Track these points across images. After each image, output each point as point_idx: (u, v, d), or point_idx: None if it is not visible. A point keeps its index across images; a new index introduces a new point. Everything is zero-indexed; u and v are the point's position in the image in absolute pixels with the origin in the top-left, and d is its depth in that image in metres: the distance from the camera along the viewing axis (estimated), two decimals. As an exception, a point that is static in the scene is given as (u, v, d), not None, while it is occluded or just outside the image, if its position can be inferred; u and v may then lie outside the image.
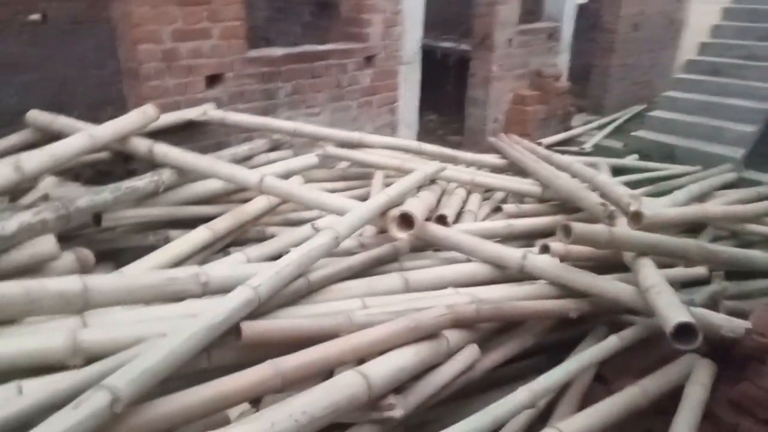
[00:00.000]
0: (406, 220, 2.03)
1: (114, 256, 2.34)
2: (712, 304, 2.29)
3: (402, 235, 2.01)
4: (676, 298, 1.76)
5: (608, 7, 6.14)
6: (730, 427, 1.68)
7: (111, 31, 5.61)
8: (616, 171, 4.11)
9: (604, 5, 6.17)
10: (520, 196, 3.36)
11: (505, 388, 1.78)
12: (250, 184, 2.43)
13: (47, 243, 1.83)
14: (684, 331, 1.62)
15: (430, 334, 1.64)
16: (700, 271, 2.54)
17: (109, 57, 5.52)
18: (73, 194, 2.13)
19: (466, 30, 5.70)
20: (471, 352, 1.74)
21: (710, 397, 1.72)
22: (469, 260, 2.21)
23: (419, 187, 2.81)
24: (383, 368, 1.45)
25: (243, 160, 3.08)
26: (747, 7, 5.60)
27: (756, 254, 2.50)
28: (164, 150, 2.52)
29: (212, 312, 1.40)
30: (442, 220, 2.50)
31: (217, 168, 2.46)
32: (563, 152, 4.39)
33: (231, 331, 1.46)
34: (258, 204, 2.59)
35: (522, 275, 2.12)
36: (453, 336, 1.71)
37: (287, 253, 2.21)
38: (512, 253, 2.11)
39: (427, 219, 2.36)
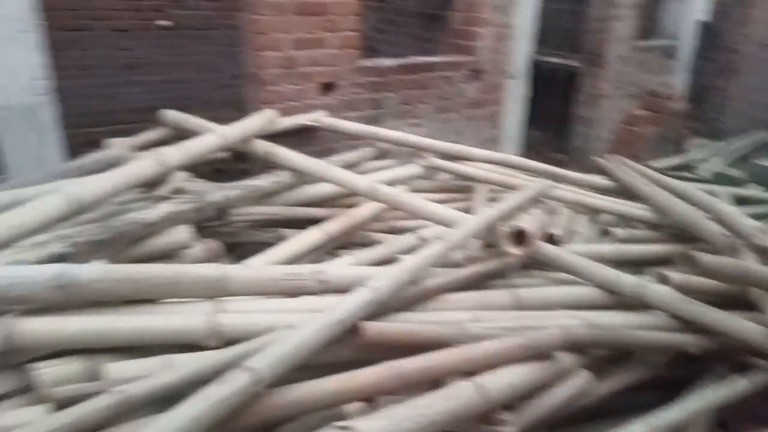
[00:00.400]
0: (520, 237, 2.01)
1: (231, 249, 2.50)
2: None
3: (517, 252, 1.99)
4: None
5: (732, 26, 5.77)
6: None
7: (228, 38, 5.99)
8: (737, 201, 3.84)
9: (728, 23, 5.80)
10: (628, 221, 3.22)
11: (616, 420, 1.72)
12: (362, 190, 2.51)
13: (183, 232, 1.99)
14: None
15: (543, 355, 1.61)
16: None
17: (226, 62, 5.92)
18: (202, 189, 2.29)
19: (575, 45, 5.56)
20: (584, 377, 1.69)
21: None
22: (577, 282, 2.15)
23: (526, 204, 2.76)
24: (498, 382, 1.45)
25: (351, 167, 3.18)
26: None
27: None
28: (283, 153, 2.65)
29: (337, 308, 1.46)
30: (551, 239, 2.45)
31: (332, 173, 2.56)
32: (677, 177, 4.15)
33: (348, 329, 1.51)
34: (366, 210, 2.67)
35: (636, 303, 2.03)
36: (565, 359, 1.68)
37: (393, 259, 2.27)
38: (628, 280, 2.03)
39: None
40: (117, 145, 2.75)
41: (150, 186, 2.57)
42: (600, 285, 2.06)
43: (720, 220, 2.80)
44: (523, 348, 1.55)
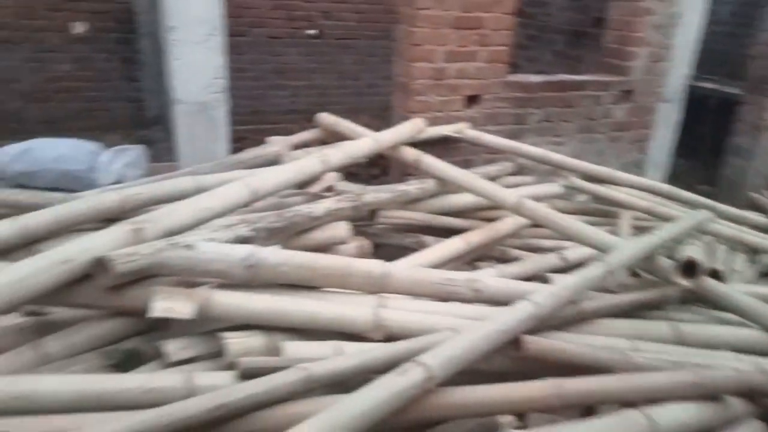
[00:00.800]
0: (688, 269, 1.90)
1: (374, 249, 2.59)
2: None
3: (686, 283, 1.88)
4: None
5: None
6: None
7: (369, 48, 6.23)
8: None
9: None
10: (794, 264, 2.91)
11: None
12: (508, 203, 2.49)
13: (342, 228, 2.10)
14: None
15: (713, 396, 1.51)
16: None
17: (365, 71, 6.18)
18: (358, 189, 2.41)
19: (734, 70, 5.16)
20: (755, 427, 1.56)
21: None
22: (744, 324, 1.98)
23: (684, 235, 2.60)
24: (669, 417, 1.37)
25: (490, 180, 3.18)
26: None
27: None
28: (430, 161, 2.71)
29: (500, 318, 1.46)
30: (715, 275, 2.28)
31: (478, 184, 2.58)
32: None
33: (509, 341, 1.51)
34: (508, 224, 2.65)
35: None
36: (736, 404, 1.55)
37: (536, 276, 2.23)
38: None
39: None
40: (276, 143, 2.96)
41: (305, 183, 2.77)
42: (774, 330, 1.89)
43: None
44: (694, 385, 1.46)
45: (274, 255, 1.56)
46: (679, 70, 3.84)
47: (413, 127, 2.92)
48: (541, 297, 1.58)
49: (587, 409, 1.59)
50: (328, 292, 1.70)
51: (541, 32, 4.95)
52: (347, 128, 2.98)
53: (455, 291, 1.80)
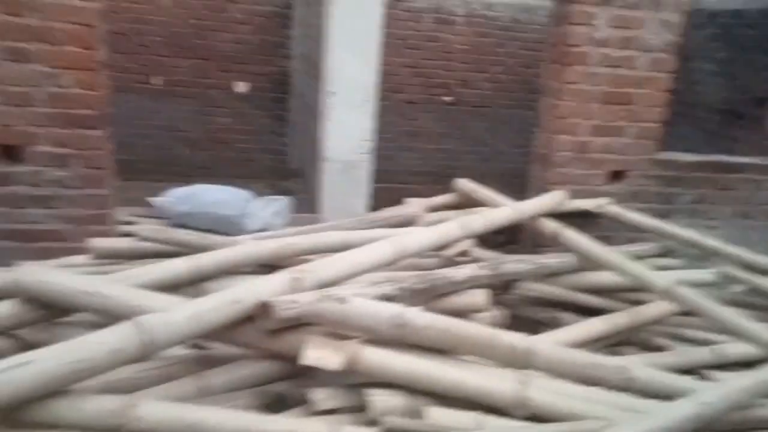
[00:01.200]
0: None
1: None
2: None
3: None
4: None
5: None
6: None
7: (501, 116, 6.30)
8: None
9: None
10: None
11: None
12: (657, 287, 2.33)
13: (480, 296, 2.08)
14: None
15: None
16: None
17: (495, 138, 6.24)
18: (497, 258, 2.39)
19: None
20: None
21: None
22: None
23: None
24: None
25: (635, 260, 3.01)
26: None
27: None
28: (572, 235, 2.63)
29: (663, 414, 1.35)
30: None
31: (625, 264, 2.45)
32: None
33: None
34: (655, 309, 2.47)
35: None
36: None
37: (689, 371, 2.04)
38: None
39: None
40: (413, 204, 3.05)
41: (442, 246, 2.80)
42: None
43: None
44: None
45: (421, 317, 1.58)
46: None
47: (554, 199, 2.87)
48: (711, 396, 1.44)
49: None
50: (465, 359, 1.68)
51: (692, 109, 4.71)
52: (486, 196, 3.00)
53: (602, 377, 1.70)
